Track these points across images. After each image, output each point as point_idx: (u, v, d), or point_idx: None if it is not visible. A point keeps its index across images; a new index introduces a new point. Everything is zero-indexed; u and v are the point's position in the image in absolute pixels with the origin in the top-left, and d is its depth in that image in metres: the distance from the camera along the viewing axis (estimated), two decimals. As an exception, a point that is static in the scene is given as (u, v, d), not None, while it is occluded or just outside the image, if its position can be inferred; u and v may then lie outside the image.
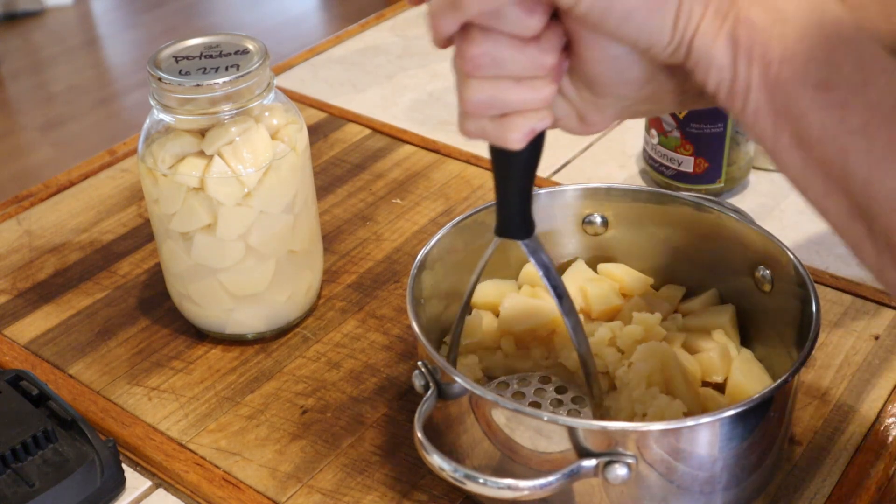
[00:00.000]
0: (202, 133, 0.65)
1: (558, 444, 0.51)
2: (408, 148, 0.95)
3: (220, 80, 0.62)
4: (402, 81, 1.09)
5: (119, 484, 0.61)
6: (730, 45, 0.41)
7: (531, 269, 0.69)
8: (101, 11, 3.55)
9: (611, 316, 0.66)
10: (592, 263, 0.70)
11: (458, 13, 0.42)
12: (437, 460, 0.52)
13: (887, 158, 0.39)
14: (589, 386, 0.56)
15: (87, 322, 0.75)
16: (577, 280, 0.68)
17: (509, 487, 0.50)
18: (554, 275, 0.52)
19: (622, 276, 0.68)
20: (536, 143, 0.47)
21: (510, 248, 0.68)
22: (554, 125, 0.48)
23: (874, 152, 0.39)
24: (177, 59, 0.65)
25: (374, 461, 0.62)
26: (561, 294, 0.53)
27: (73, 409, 0.62)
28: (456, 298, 0.67)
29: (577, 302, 0.66)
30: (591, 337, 0.62)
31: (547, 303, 0.65)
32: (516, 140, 0.46)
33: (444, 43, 0.45)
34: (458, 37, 0.44)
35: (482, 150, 0.94)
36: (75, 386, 0.68)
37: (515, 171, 0.49)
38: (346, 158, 0.94)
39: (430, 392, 0.56)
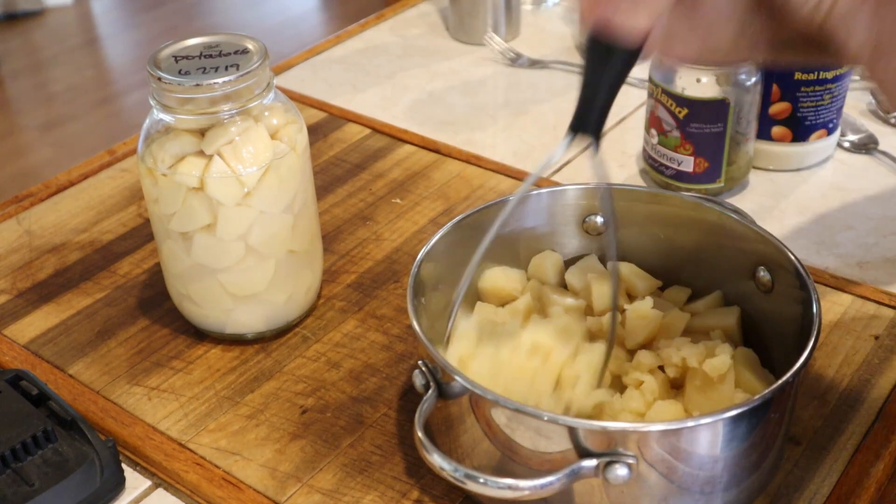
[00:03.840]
0: (202, 133, 0.65)
1: (558, 444, 0.51)
2: (408, 148, 0.95)
3: (219, 80, 0.62)
4: (402, 81, 1.09)
5: (119, 484, 0.61)
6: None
7: (539, 262, 0.68)
8: (101, 11, 3.55)
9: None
10: (593, 263, 0.70)
11: None
12: (437, 460, 0.52)
13: None
14: (612, 327, 0.59)
15: (87, 322, 0.75)
16: (584, 275, 0.67)
17: (510, 487, 0.50)
18: (609, 192, 0.53)
19: (629, 275, 0.67)
20: (637, 49, 0.49)
21: (518, 240, 0.68)
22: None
23: None
24: (177, 58, 0.65)
25: (374, 461, 0.62)
26: (609, 221, 0.54)
27: (72, 409, 0.62)
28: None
29: (578, 300, 0.66)
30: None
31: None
32: (639, 25, 0.46)
33: None
34: None
35: (482, 150, 0.95)
36: (75, 386, 0.68)
37: (613, 68, 0.49)
38: (346, 158, 0.94)
39: (430, 392, 0.56)
